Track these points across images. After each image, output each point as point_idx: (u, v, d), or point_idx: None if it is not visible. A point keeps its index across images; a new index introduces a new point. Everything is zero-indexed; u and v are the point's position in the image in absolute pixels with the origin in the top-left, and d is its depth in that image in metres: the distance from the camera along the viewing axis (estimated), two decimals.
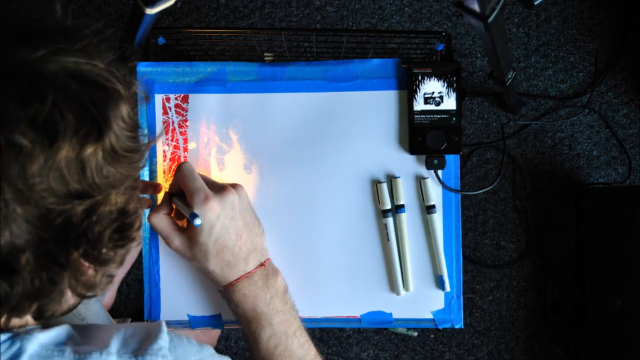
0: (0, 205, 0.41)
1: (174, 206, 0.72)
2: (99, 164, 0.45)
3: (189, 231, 0.69)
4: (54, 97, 0.42)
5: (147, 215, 0.72)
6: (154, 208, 0.73)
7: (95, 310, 0.79)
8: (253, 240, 0.70)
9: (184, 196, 0.70)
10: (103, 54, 0.46)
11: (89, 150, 0.44)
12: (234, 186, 0.70)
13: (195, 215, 0.66)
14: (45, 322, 0.52)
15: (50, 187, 0.42)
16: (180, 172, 0.69)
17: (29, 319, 0.51)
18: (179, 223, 0.72)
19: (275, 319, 0.68)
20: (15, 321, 0.50)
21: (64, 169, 0.43)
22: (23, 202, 0.42)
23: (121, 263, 0.53)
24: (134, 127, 0.49)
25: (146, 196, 0.77)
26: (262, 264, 0.71)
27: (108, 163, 0.46)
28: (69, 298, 0.50)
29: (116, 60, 0.48)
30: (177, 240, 0.70)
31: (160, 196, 0.77)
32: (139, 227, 0.53)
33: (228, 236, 0.68)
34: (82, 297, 0.51)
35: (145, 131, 0.78)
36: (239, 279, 0.69)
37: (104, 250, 0.49)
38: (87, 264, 0.49)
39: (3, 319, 0.48)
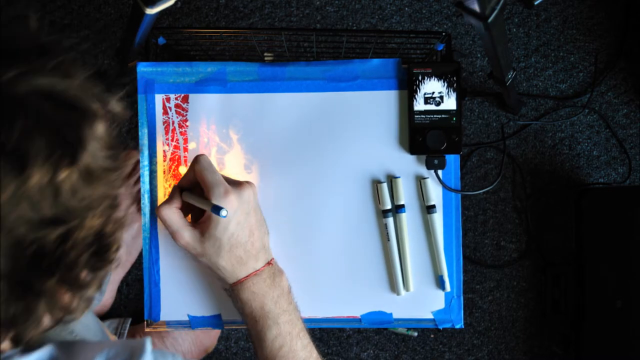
0: None
1: (182, 200, 0.71)
2: (73, 187, 0.43)
3: (201, 225, 0.69)
4: (24, 123, 0.40)
5: (156, 208, 0.71)
6: (162, 201, 0.73)
7: (85, 322, 0.77)
8: (262, 238, 0.71)
9: (194, 191, 0.70)
10: (79, 71, 0.45)
11: (63, 174, 0.42)
12: (248, 183, 0.70)
13: (219, 207, 0.65)
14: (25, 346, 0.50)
15: (21, 215, 0.41)
16: (199, 164, 0.68)
17: (6, 343, 0.49)
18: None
19: (282, 319, 0.69)
20: None
21: (35, 195, 0.41)
22: None
23: (100, 286, 0.51)
24: (111, 145, 0.47)
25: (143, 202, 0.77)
26: (269, 263, 0.71)
27: (84, 185, 0.44)
28: (47, 322, 0.49)
29: (93, 76, 0.46)
30: (187, 235, 0.68)
31: (163, 190, 0.77)
32: (117, 249, 0.52)
33: (242, 232, 0.68)
34: (60, 321, 0.49)
35: (146, 130, 0.78)
36: (248, 276, 0.69)
37: (81, 275, 0.47)
38: (64, 289, 0.47)
39: None
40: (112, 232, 0.50)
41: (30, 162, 0.40)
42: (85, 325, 0.76)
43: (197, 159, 0.69)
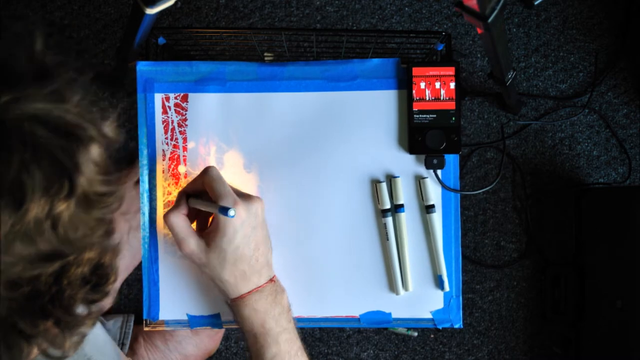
0: None
1: (189, 206, 0.70)
2: (71, 217, 0.41)
3: (208, 235, 0.67)
4: (21, 157, 0.38)
5: (163, 214, 0.71)
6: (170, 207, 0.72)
7: (100, 346, 0.73)
8: (266, 254, 0.70)
9: (201, 197, 0.69)
10: (76, 94, 0.42)
11: (61, 206, 0.40)
12: (258, 197, 0.69)
13: (227, 208, 0.63)
14: None
15: (17, 252, 0.38)
16: (208, 175, 0.67)
17: None
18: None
19: (282, 337, 0.67)
20: None
21: (32, 230, 0.38)
22: None
23: (94, 323, 0.49)
24: (107, 169, 0.44)
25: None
26: (271, 280, 0.70)
27: (81, 213, 0.41)
28: (33, 356, 0.46)
29: (91, 97, 0.43)
30: (193, 243, 0.67)
31: (162, 190, 0.77)
32: (114, 281, 0.49)
33: (247, 246, 0.67)
34: (48, 355, 0.46)
35: (145, 129, 0.78)
36: (250, 292, 0.68)
37: (76, 312, 0.45)
38: (57, 329, 0.45)
39: None
40: (109, 263, 0.47)
41: (27, 197, 0.38)
42: (100, 349, 0.73)
43: (206, 171, 0.68)
